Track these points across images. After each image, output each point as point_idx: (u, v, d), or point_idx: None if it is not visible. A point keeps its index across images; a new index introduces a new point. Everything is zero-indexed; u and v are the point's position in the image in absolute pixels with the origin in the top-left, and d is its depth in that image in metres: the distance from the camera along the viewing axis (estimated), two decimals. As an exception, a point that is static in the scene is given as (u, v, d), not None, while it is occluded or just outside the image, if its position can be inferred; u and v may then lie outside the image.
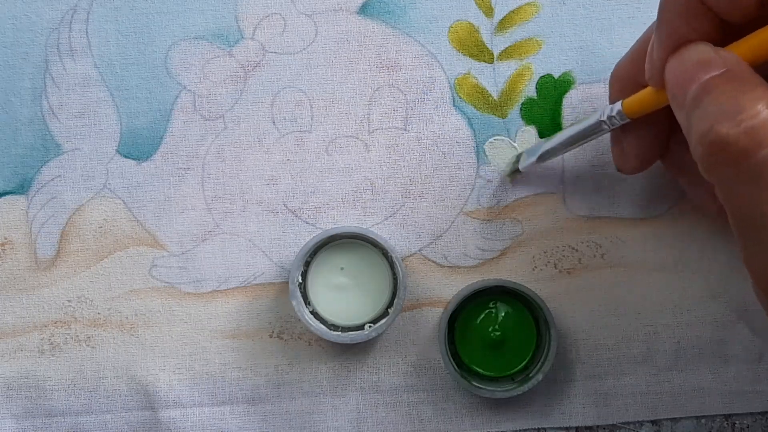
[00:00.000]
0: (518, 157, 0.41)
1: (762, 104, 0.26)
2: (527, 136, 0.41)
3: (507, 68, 0.42)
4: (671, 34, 0.30)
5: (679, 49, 0.30)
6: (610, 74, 0.37)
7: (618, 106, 0.35)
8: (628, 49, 0.36)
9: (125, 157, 0.41)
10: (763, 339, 0.41)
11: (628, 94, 0.35)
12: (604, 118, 0.35)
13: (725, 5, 0.29)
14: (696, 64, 0.29)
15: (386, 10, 0.42)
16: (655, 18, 0.42)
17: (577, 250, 0.41)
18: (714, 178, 0.28)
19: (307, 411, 0.41)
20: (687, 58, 0.29)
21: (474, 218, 0.41)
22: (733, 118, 0.27)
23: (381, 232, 0.41)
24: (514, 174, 0.41)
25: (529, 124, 0.42)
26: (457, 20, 0.42)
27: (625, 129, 0.36)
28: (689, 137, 0.28)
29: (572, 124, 0.38)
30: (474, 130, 0.42)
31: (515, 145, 0.41)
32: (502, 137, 0.41)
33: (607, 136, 0.38)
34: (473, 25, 0.42)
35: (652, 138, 0.36)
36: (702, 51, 0.29)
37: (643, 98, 0.34)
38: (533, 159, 0.39)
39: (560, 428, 0.41)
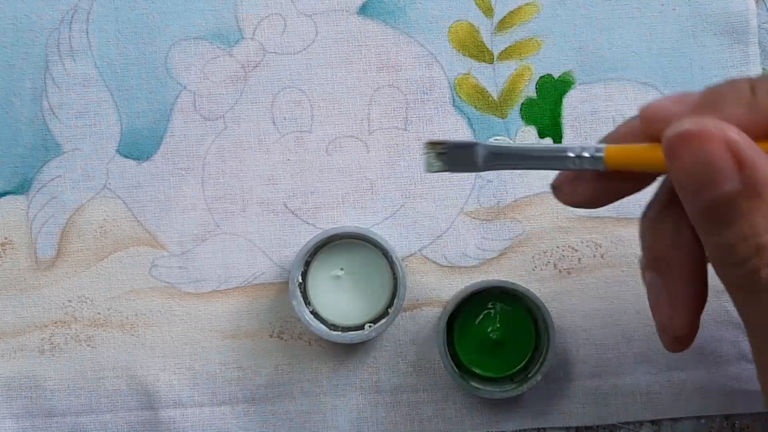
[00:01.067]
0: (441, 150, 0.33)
1: None
2: (527, 136, 0.41)
3: (507, 68, 0.42)
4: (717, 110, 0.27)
5: (685, 128, 0.26)
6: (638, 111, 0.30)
7: (601, 148, 0.29)
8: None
9: (125, 157, 0.41)
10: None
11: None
12: (575, 154, 0.30)
13: None
14: (708, 168, 0.25)
15: (386, 10, 0.42)
16: (653, 20, 0.42)
17: (577, 250, 0.41)
18: (744, 302, 0.27)
19: (307, 411, 0.41)
20: (698, 152, 0.25)
21: (474, 218, 0.41)
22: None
23: (381, 232, 0.41)
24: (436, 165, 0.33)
25: (529, 124, 0.42)
26: (457, 20, 0.42)
27: (666, 277, 0.30)
28: (709, 250, 0.26)
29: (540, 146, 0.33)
30: (474, 130, 0.42)
31: (515, 145, 0.41)
32: (502, 137, 0.41)
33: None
34: (473, 25, 0.42)
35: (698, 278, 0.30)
36: (717, 151, 0.25)
37: (633, 152, 0.29)
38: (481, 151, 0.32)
39: (560, 428, 0.41)
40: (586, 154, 0.30)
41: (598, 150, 0.29)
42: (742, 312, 0.27)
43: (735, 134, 0.25)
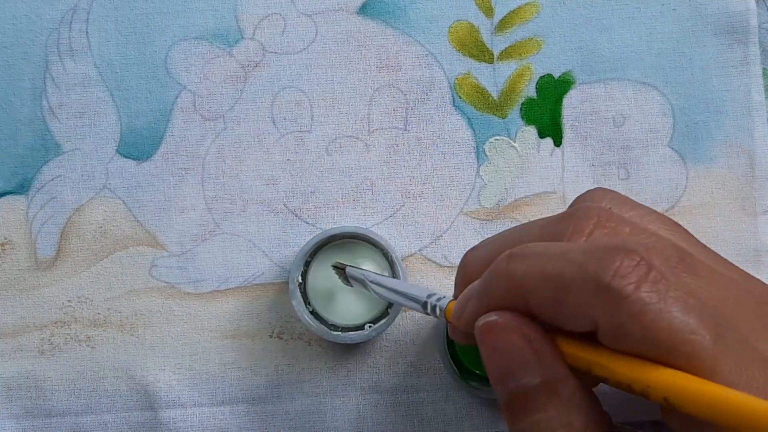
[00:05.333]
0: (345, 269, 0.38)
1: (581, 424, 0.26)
2: (527, 136, 0.41)
3: (507, 68, 0.42)
4: (490, 300, 0.28)
5: (492, 319, 0.27)
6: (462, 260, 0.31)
7: (444, 303, 0.31)
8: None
9: (125, 157, 0.41)
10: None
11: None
12: (430, 301, 0.32)
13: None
14: (510, 359, 0.27)
15: (386, 10, 0.42)
16: (653, 20, 0.42)
17: (577, 250, 0.41)
18: None
19: (307, 411, 0.41)
20: (502, 342, 0.27)
21: (474, 218, 0.41)
22: None
23: (381, 232, 0.41)
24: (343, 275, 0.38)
25: (529, 124, 0.42)
26: (457, 20, 0.42)
27: None
28: None
29: (408, 283, 0.36)
30: (474, 130, 0.42)
31: (515, 145, 0.41)
32: (502, 137, 0.41)
33: None
34: (473, 25, 0.42)
35: None
36: (517, 343, 0.27)
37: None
38: (362, 280, 0.37)
39: (560, 428, 0.41)
40: (434, 304, 0.31)
41: (440, 305, 0.31)
42: None
43: (534, 329, 0.27)
